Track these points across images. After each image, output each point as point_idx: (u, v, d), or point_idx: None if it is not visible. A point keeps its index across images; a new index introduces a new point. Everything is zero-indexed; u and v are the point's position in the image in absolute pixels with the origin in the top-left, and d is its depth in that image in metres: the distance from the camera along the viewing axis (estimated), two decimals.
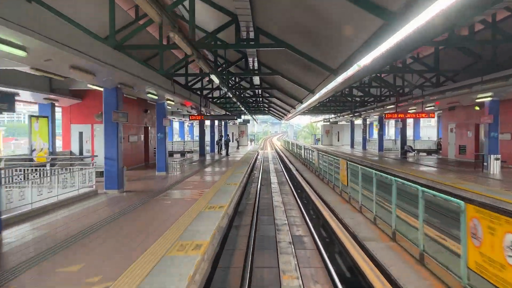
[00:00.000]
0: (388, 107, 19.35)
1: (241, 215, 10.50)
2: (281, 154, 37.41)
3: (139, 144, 18.93)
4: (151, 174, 15.00)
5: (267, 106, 40.94)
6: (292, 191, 14.59)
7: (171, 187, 11.21)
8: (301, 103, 22.14)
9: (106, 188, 10.21)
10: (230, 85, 19.58)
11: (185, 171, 15.98)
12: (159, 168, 14.93)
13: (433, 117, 21.14)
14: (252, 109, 41.18)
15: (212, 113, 24.93)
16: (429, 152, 26.59)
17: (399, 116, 18.78)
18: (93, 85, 9.68)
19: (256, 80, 20.20)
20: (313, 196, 12.26)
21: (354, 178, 10.10)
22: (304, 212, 10.53)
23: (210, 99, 24.86)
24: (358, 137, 39.33)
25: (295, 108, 27.41)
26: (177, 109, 20.69)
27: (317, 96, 14.62)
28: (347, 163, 10.43)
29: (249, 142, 51.76)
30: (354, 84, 19.30)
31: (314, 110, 35.79)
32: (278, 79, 19.62)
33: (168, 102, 15.05)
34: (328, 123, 45.55)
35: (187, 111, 23.41)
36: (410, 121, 33.07)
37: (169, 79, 14.51)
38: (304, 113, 37.46)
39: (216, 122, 33.65)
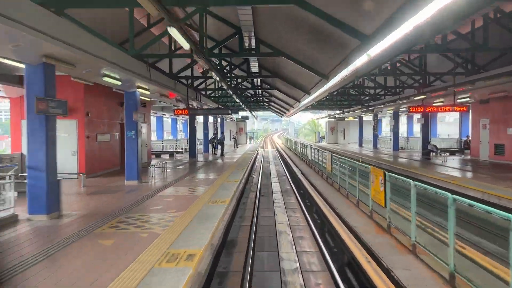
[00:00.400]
0: (415, 98, 15.95)
1: (231, 249, 7.21)
2: (283, 153, 34.10)
3: (113, 144, 15.60)
4: (120, 183, 11.69)
5: (267, 100, 37.62)
6: (301, 206, 11.31)
7: (131, 209, 7.89)
8: (309, 94, 18.76)
9: (31, 213, 6.90)
10: (221, 73, 16.27)
11: (164, 178, 12.70)
12: (129, 176, 11.62)
13: (465, 110, 17.79)
14: (251, 104, 37.93)
15: (205, 107, 21.58)
16: (452, 152, 23.25)
17: (427, 109, 15.47)
18: None
19: (255, 67, 16.89)
20: (330, 216, 8.95)
21: (394, 195, 6.86)
22: (323, 246, 7.23)
23: (203, 93, 21.52)
24: (366, 135, 36.16)
25: (299, 102, 24.01)
26: (159, 101, 17.35)
27: (336, 79, 11.20)
28: (384, 175, 7.09)
29: (248, 140, 48.39)
30: (372, 72, 16.05)
31: (318, 105, 32.53)
32: (281, 63, 16.26)
33: (141, 91, 11.76)
34: (334, 119, 42.35)
35: (174, 105, 20.07)
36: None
37: (143, 61, 11.28)
38: (306, 108, 34.08)
39: (211, 118, 30.40)
